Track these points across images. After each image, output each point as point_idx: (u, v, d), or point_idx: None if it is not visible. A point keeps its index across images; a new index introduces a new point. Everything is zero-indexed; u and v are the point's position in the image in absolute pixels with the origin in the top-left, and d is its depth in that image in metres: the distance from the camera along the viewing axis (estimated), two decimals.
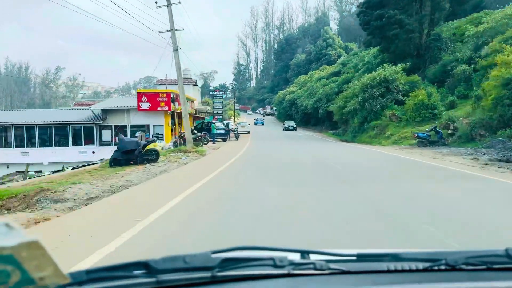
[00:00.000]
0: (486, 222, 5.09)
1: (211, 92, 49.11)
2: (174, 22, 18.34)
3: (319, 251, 1.10)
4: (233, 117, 56.07)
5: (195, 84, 40.51)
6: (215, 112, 43.93)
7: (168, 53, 18.68)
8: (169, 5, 18.15)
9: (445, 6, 31.50)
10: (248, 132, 38.72)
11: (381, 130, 26.38)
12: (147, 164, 13.00)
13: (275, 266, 0.99)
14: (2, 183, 16.45)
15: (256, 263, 0.99)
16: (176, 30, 18.54)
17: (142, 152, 13.52)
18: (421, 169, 11.58)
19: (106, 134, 27.28)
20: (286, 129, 44.63)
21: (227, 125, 33.97)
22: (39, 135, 27.90)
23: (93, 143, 27.36)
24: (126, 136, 24.17)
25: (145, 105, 25.69)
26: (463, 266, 1.04)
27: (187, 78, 37.31)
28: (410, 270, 1.04)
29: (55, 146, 27.55)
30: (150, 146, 14.97)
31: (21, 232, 0.58)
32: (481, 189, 7.97)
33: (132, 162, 13.19)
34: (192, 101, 34.37)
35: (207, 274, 0.93)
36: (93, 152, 26.46)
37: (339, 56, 68.04)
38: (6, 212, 6.45)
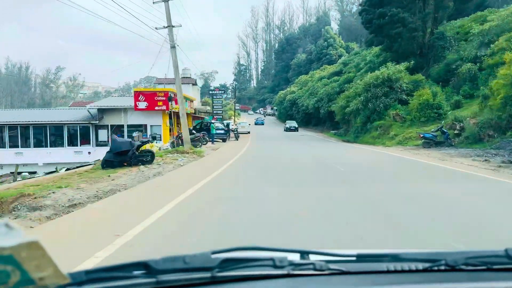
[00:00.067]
0: None
1: (210, 92, 48.42)
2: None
3: (318, 251, 1.10)
4: (233, 117, 55.50)
5: (195, 84, 39.82)
6: (214, 112, 43.36)
7: (167, 52, 18.12)
8: (166, 0, 17.55)
9: (448, 5, 30.86)
10: (248, 132, 38.13)
11: (385, 130, 25.69)
12: (141, 166, 12.40)
13: (275, 266, 0.99)
14: None
15: (256, 263, 0.99)
16: (173, 26, 17.95)
17: (136, 153, 12.91)
18: (433, 171, 10.99)
19: (103, 134, 26.58)
20: (288, 129, 43.57)
21: (227, 125, 33.39)
22: (34, 135, 27.17)
23: (89, 143, 26.65)
24: (122, 136, 23.58)
25: (142, 105, 25.00)
26: (463, 267, 1.03)
27: (186, 77, 36.63)
28: (410, 271, 1.04)
29: (51, 147, 26.85)
30: (146, 146, 14.36)
31: (21, 233, 0.59)
32: (500, 195, 7.33)
33: (125, 164, 12.60)
34: (191, 101, 33.70)
35: (207, 274, 0.93)
36: (89, 153, 25.80)
37: (340, 56, 67.40)
38: None
